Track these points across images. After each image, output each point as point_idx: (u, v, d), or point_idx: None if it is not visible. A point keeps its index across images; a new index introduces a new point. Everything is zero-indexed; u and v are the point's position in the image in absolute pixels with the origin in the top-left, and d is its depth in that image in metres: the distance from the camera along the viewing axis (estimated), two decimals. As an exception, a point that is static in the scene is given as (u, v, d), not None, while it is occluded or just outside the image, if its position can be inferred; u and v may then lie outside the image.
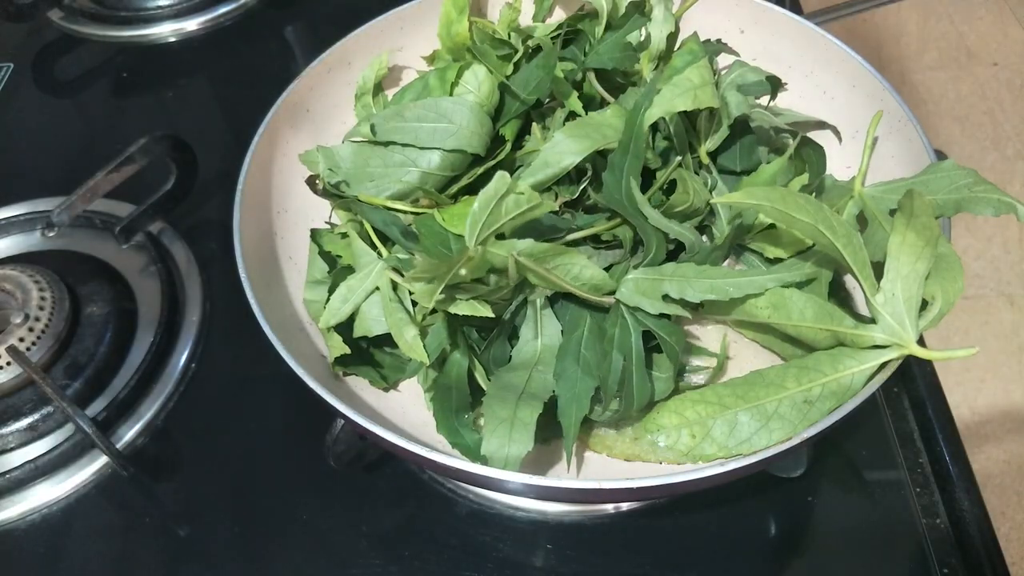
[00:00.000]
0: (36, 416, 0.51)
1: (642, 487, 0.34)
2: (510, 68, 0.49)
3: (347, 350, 0.43)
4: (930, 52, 1.78)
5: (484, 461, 0.39)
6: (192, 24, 0.80)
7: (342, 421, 0.45)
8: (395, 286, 0.43)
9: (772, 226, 0.43)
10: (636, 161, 0.41)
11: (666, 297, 0.40)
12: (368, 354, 0.46)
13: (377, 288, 0.43)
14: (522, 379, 0.42)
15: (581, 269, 0.40)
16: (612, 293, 0.41)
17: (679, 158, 0.44)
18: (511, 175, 0.36)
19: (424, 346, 0.41)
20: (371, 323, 0.43)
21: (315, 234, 0.48)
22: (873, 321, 0.37)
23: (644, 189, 0.42)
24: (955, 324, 1.35)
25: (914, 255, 0.35)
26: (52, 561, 0.47)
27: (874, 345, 0.36)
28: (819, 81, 0.51)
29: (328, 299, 0.44)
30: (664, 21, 0.46)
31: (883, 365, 0.36)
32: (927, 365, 0.51)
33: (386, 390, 0.46)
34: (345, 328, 0.44)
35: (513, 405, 0.40)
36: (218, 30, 0.81)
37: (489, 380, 0.43)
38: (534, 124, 0.48)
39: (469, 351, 0.43)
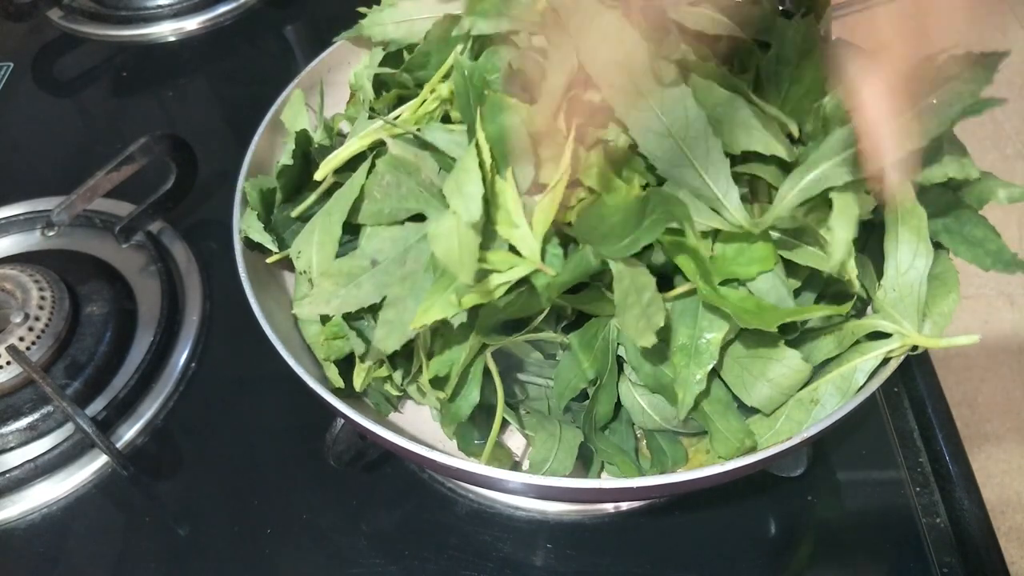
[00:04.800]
0: (36, 415, 0.51)
1: (642, 486, 0.34)
2: None
3: (342, 384, 0.42)
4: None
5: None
6: (192, 23, 0.80)
7: (342, 420, 0.45)
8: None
9: None
10: None
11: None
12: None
13: None
14: (543, 406, 0.43)
15: None
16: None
17: None
18: None
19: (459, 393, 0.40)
20: None
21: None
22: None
23: None
24: (955, 323, 1.35)
25: (911, 252, 0.35)
26: (52, 560, 0.47)
27: (876, 334, 0.37)
28: (819, 81, 0.51)
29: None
30: None
31: (886, 361, 0.36)
32: (927, 365, 0.51)
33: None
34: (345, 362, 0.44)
35: (556, 424, 0.41)
36: (218, 29, 0.81)
37: (508, 406, 0.43)
38: None
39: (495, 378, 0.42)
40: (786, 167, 0.34)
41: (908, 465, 0.48)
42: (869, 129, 0.29)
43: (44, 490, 0.50)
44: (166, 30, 0.80)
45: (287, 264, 0.48)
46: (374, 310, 0.38)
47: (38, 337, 0.52)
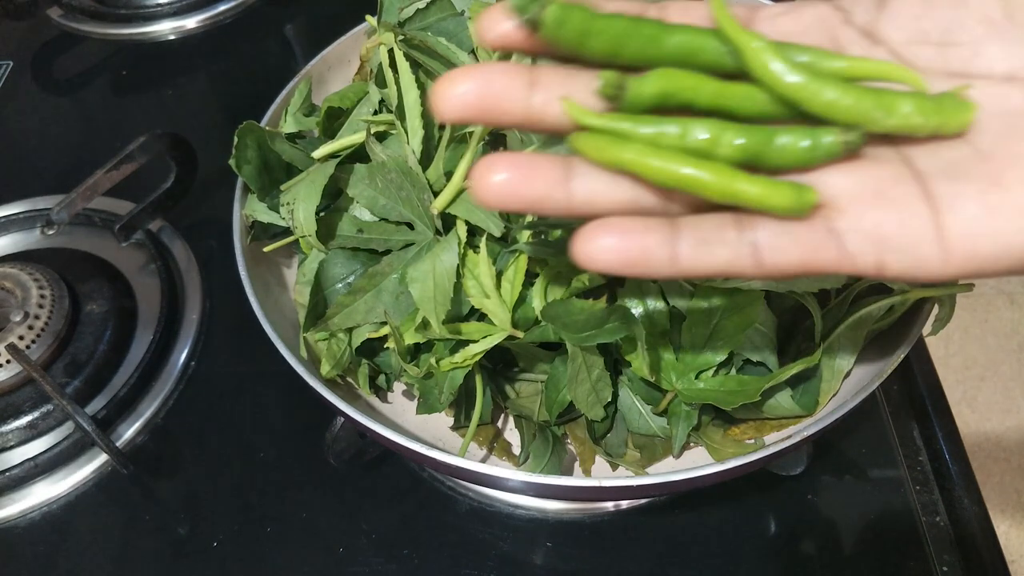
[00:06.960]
0: (36, 414, 0.51)
1: (642, 485, 0.34)
2: None
3: (334, 375, 0.42)
4: (930, 51, 1.78)
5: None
6: (192, 22, 0.80)
7: (342, 419, 0.45)
8: None
9: None
10: None
11: None
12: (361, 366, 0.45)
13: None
14: (534, 404, 0.43)
15: None
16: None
17: None
18: None
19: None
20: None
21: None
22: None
23: None
24: (955, 322, 1.35)
25: None
26: (52, 559, 0.47)
27: (880, 288, 0.39)
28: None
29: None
30: None
31: (885, 358, 0.37)
32: (927, 364, 0.51)
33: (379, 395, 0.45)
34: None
35: (548, 432, 0.42)
36: (218, 28, 0.80)
37: (504, 401, 0.44)
38: None
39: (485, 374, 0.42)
40: None
41: (908, 464, 0.48)
42: None
43: (44, 489, 0.49)
44: (166, 28, 0.80)
45: (287, 261, 0.48)
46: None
47: (38, 335, 0.52)
